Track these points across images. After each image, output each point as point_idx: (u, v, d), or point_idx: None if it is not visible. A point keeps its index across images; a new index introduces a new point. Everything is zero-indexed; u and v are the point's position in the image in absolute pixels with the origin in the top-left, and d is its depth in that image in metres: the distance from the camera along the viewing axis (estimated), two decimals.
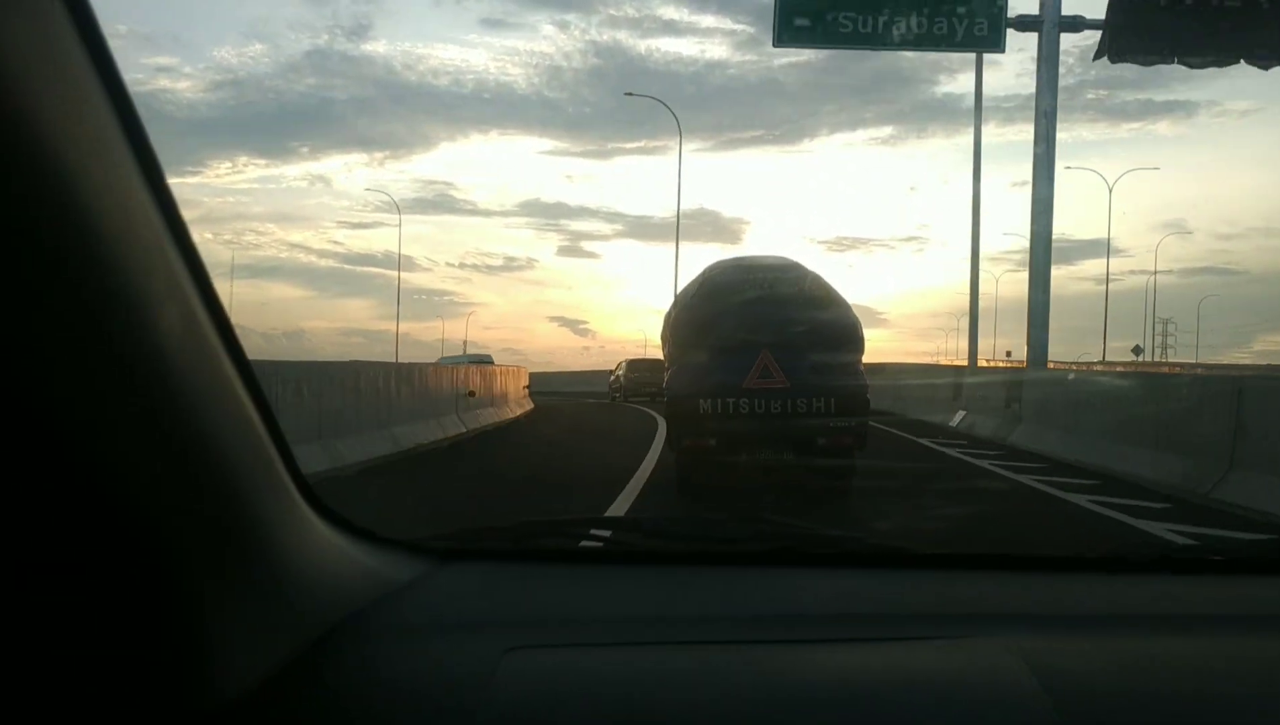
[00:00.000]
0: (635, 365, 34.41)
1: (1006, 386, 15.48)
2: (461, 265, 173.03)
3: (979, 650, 1.09)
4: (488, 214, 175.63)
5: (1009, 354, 64.85)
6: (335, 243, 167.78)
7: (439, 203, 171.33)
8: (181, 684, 0.86)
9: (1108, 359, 53.25)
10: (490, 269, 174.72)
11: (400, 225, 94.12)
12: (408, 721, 0.96)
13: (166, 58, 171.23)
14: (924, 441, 14.92)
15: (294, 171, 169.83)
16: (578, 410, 27.09)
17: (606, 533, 1.56)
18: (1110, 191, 55.71)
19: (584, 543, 1.55)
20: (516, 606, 1.27)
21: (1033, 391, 14.54)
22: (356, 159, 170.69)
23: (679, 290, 10.24)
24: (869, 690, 1.00)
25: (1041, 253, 15.48)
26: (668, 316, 9.78)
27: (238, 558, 0.92)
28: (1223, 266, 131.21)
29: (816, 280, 9.14)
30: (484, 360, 34.75)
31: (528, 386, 25.22)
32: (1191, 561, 1.56)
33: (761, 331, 8.49)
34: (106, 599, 0.80)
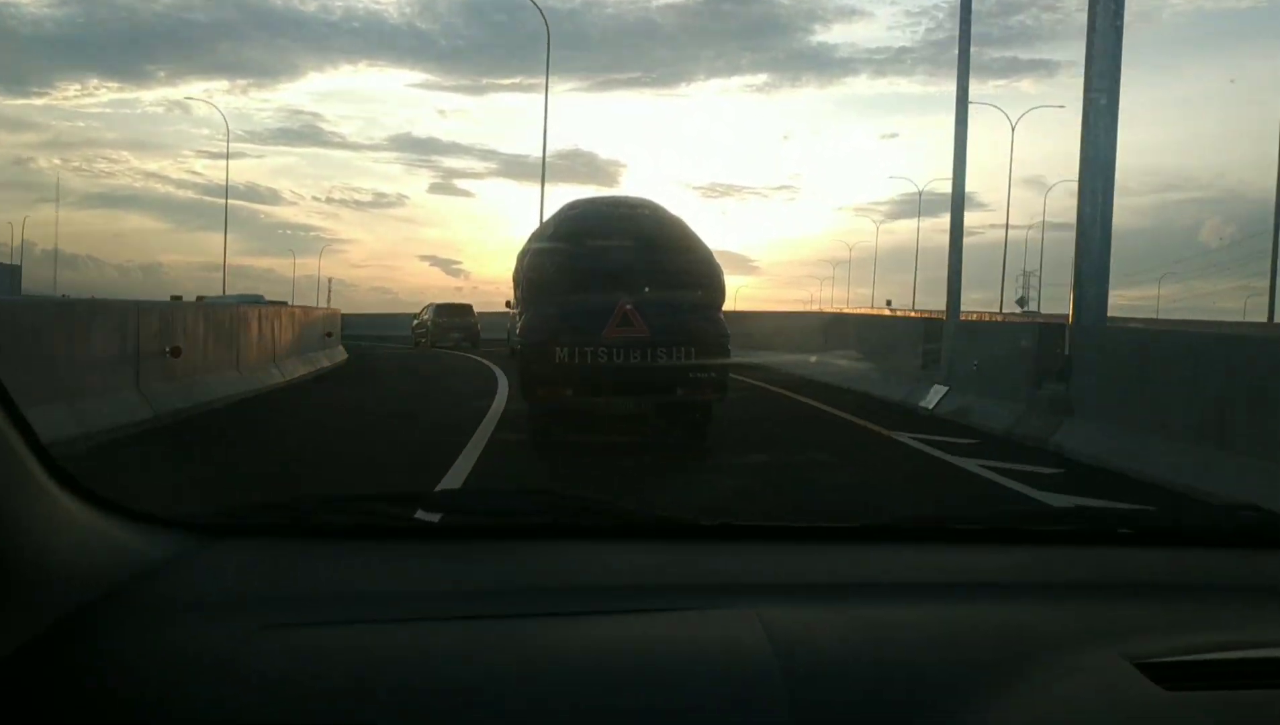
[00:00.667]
0: (443, 310, 32.17)
1: (1035, 349, 9.53)
2: (329, 200, 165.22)
3: (725, 620, 1.12)
4: (357, 148, 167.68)
5: (889, 303, 62.47)
6: (195, 173, 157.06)
7: (306, 134, 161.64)
8: None
9: (967, 310, 49.46)
10: (359, 205, 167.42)
11: (229, 152, 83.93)
12: (148, 703, 0.93)
13: None
14: (902, 438, 9.48)
15: (150, 97, 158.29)
16: (402, 366, 21.04)
17: (387, 508, 1.48)
18: (1013, 130, 52.10)
19: (364, 518, 1.47)
20: (282, 584, 1.24)
21: (1095, 363, 8.71)
22: (218, 86, 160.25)
23: (535, 229, 9.54)
24: (613, 662, 1.02)
25: (1099, 179, 9.98)
26: (521, 257, 8.98)
27: None
28: (1062, 221, 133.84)
29: (677, 223, 8.75)
30: (254, 300, 29.42)
31: (330, 333, 19.07)
32: (938, 531, 1.59)
33: (621, 276, 8.04)
34: None
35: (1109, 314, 10.05)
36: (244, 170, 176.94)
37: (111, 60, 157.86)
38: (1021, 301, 58.08)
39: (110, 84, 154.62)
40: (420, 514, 1.48)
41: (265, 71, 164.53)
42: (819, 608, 1.18)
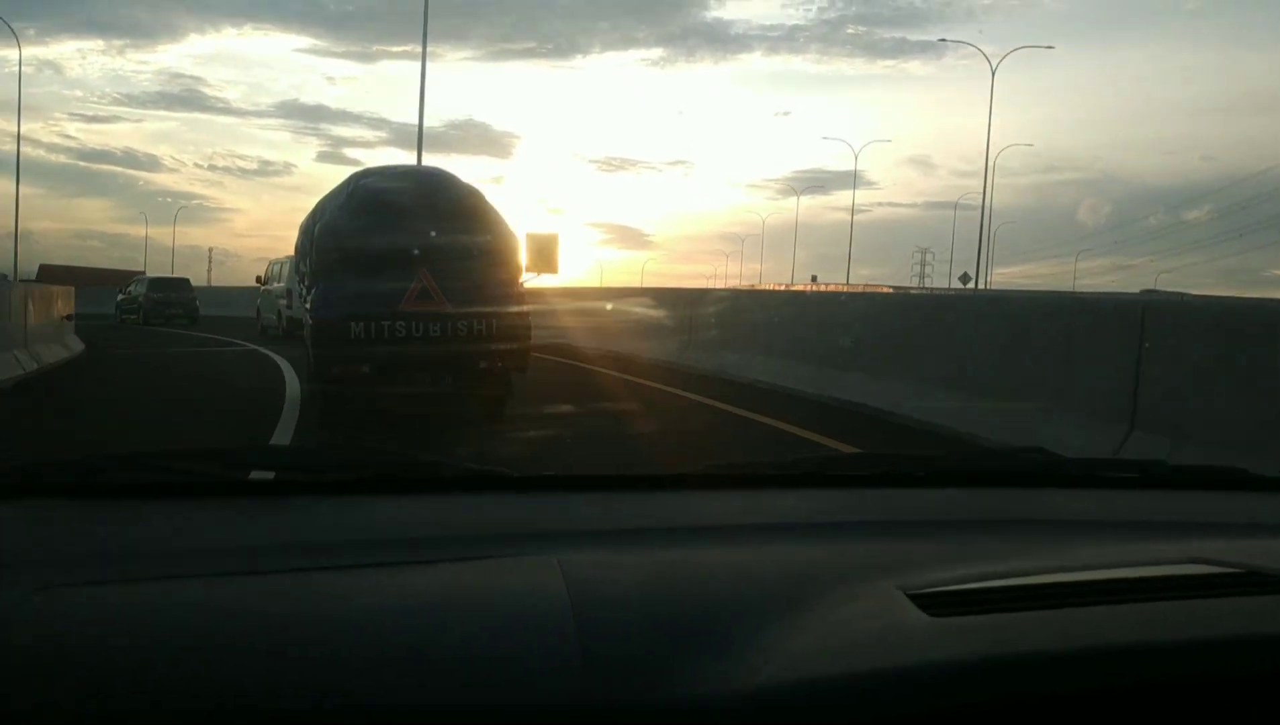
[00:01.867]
0: (158, 284, 30.70)
1: None
2: (212, 167, 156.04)
3: (525, 566, 1.15)
4: (242, 114, 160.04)
5: (814, 278, 60.35)
6: (68, 137, 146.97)
7: (187, 99, 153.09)
8: None
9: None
10: (244, 172, 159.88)
11: (103, 115, 77.02)
12: None
13: None
14: None
15: (17, 56, 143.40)
16: (158, 362, 16.33)
17: (186, 464, 1.43)
18: (993, 74, 50.45)
19: (160, 475, 1.41)
20: (68, 544, 1.19)
21: None
22: (93, 45, 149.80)
23: (322, 198, 9.00)
24: (407, 611, 1.02)
25: None
26: (306, 227, 8.89)
27: None
28: (962, 202, 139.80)
29: (474, 193, 8.66)
30: None
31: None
32: (741, 478, 1.64)
33: (419, 249, 7.90)
34: None
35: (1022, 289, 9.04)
36: (121, 135, 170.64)
37: None
38: (964, 278, 53.08)
39: None
40: (218, 469, 1.43)
41: (143, 32, 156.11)
42: (619, 551, 1.22)
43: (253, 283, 25.13)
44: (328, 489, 1.44)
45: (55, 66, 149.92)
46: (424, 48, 27.88)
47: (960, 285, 51.36)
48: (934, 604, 1.05)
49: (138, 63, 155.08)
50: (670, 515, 1.42)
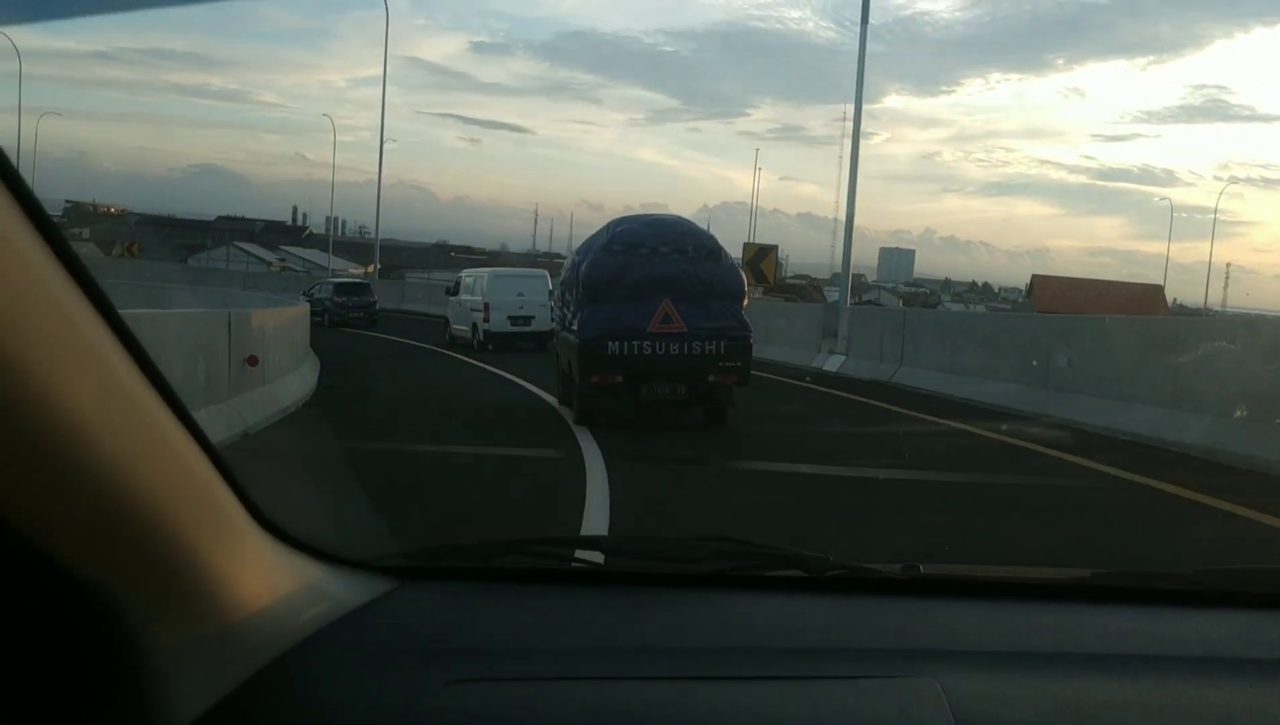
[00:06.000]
0: (342, 288, 34.11)
1: None
2: (1231, 178, 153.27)
3: (907, 690, 1.09)
4: (1268, 120, 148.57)
5: None
6: (1087, 157, 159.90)
7: (1208, 110, 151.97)
8: (127, 716, 0.90)
9: None
10: (1267, 183, 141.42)
11: (1121, 135, 77.20)
12: None
13: None
14: None
15: (1045, 85, 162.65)
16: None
17: (568, 552, 1.53)
18: None
19: (548, 563, 1.53)
20: (470, 632, 1.28)
21: None
22: (1115, 67, 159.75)
23: (585, 241, 11.30)
24: None
25: None
26: (573, 264, 10.83)
27: (175, 590, 0.94)
28: None
29: (707, 236, 10.59)
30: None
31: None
32: (1144, 591, 1.49)
33: (663, 282, 9.85)
34: (40, 644, 0.86)
35: None
36: (1137, 152, 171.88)
37: (1012, 53, 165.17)
38: None
39: (1010, 76, 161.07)
40: (598, 558, 1.52)
41: (1166, 47, 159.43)
42: (1008, 678, 1.14)
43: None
44: (698, 583, 1.45)
45: (1078, 92, 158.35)
46: None
47: None
48: None
49: (1159, 78, 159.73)
50: (1065, 635, 1.30)
